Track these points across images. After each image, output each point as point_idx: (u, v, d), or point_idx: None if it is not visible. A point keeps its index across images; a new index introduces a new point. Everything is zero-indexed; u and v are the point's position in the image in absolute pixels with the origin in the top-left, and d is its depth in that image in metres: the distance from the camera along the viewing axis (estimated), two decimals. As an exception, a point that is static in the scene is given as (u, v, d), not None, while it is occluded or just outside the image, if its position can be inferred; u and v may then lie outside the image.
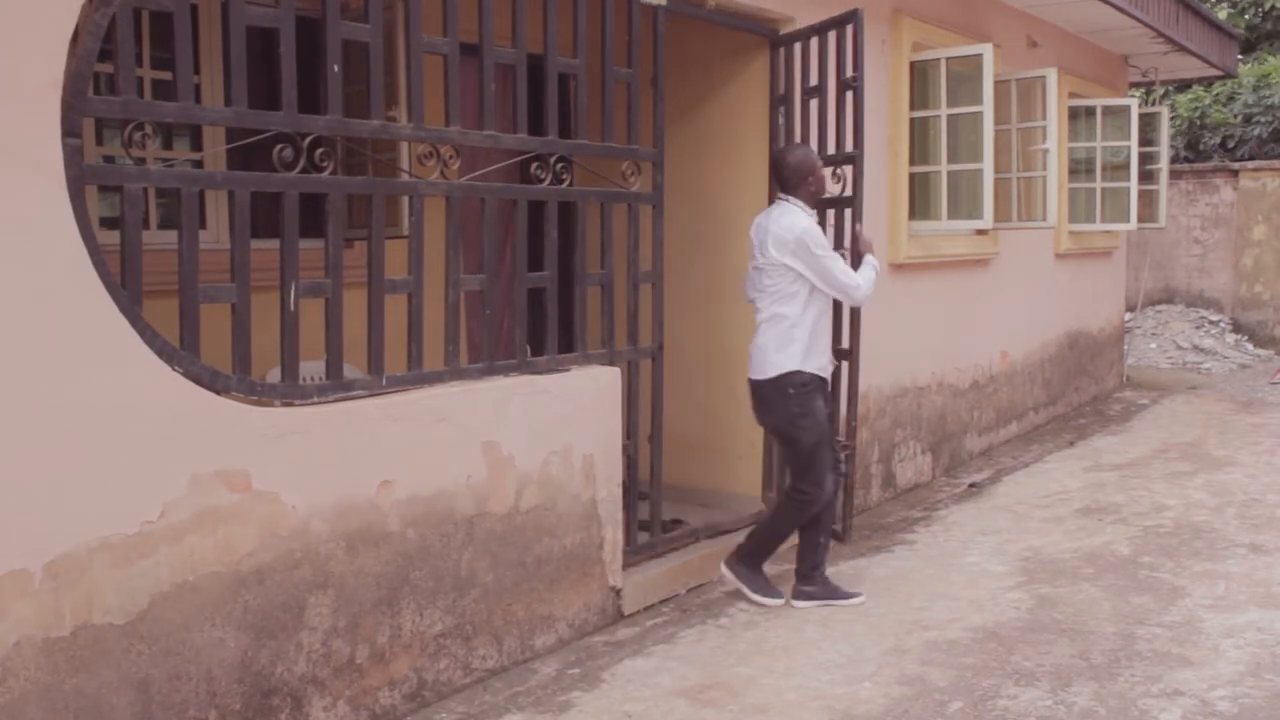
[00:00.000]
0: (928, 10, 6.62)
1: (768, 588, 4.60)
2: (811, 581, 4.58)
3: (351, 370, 3.60)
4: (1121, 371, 10.52)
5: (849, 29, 4.96)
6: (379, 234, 3.60)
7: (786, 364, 4.43)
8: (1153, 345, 12.46)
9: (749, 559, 4.64)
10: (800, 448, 4.48)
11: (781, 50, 5.41)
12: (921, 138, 6.61)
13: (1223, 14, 16.47)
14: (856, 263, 4.67)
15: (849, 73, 4.99)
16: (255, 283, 3.25)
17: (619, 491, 4.37)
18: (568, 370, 4.20)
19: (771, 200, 4.91)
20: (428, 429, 3.61)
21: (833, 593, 4.59)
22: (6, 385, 2.64)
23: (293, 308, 3.33)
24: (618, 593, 4.40)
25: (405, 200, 3.94)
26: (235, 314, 3.20)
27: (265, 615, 3.17)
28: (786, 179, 4.55)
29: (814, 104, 5.25)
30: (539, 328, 4.32)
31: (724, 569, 4.66)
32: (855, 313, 4.94)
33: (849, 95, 5.02)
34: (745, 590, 4.59)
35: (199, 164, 4.11)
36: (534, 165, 4.10)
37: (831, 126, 5.14)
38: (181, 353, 3.02)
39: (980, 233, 7.20)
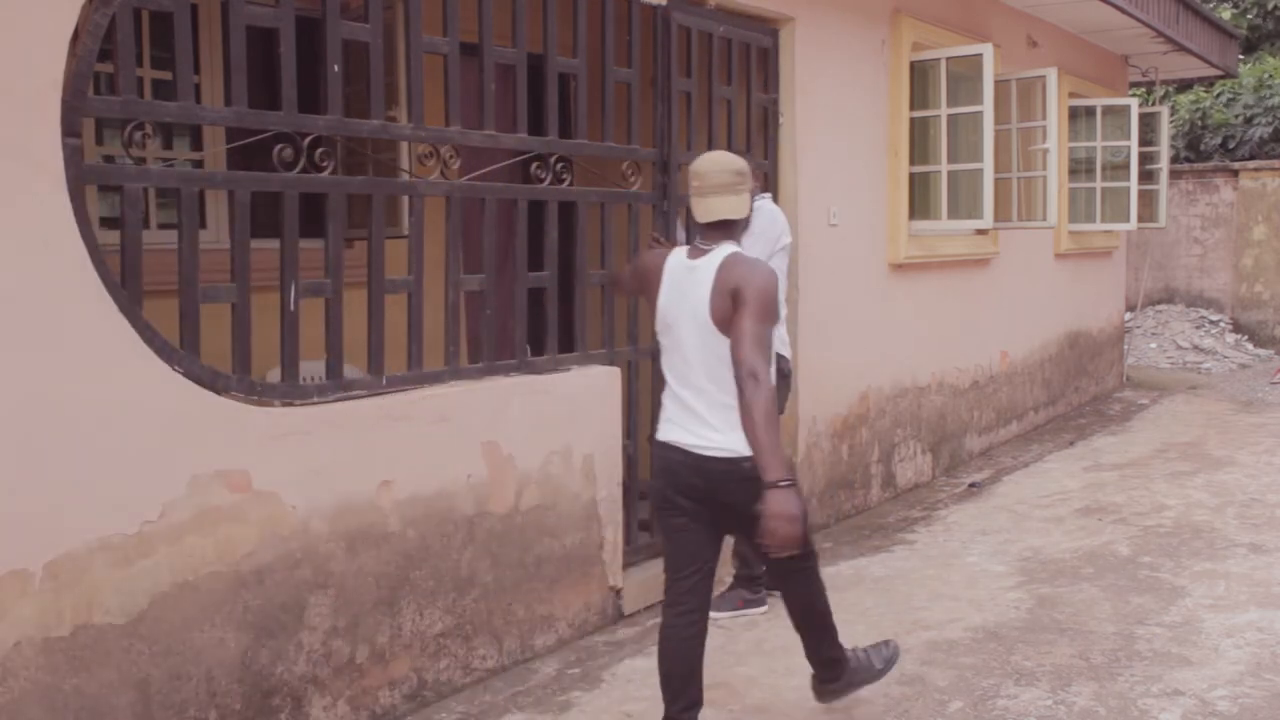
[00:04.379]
0: (928, 10, 6.62)
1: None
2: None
3: (351, 370, 3.60)
4: (1121, 371, 10.52)
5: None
6: (379, 234, 3.60)
7: None
8: (1153, 345, 12.46)
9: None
10: None
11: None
12: (921, 138, 6.61)
13: (1225, 14, 16.44)
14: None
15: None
16: (255, 283, 3.26)
17: (619, 491, 4.37)
18: (568, 370, 4.20)
19: (774, 199, 4.94)
20: (428, 429, 3.61)
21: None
22: (6, 385, 2.64)
23: (293, 308, 3.34)
24: (618, 592, 4.40)
25: (405, 200, 3.95)
26: (235, 314, 3.20)
27: (265, 615, 3.17)
28: None
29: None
30: (539, 328, 4.32)
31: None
32: None
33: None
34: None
35: (199, 164, 4.10)
36: (534, 165, 4.10)
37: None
38: (181, 353, 3.02)
39: (980, 233, 7.19)
